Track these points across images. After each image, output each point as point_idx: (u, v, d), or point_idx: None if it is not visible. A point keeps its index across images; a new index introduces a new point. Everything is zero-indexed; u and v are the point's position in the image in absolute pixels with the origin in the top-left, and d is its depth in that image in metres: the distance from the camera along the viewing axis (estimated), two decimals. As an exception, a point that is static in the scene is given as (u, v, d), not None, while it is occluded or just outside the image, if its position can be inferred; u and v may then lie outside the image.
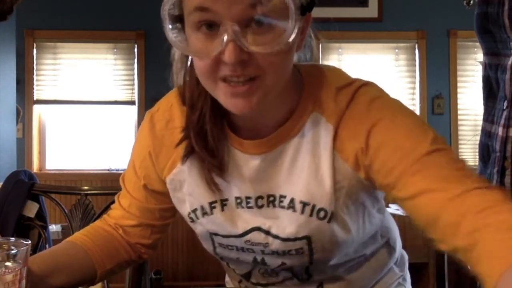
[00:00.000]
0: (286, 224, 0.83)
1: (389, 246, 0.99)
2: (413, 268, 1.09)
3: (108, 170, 3.94)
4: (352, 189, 0.82)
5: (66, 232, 2.80)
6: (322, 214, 0.82)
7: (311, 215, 0.82)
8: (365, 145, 0.79)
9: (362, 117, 0.80)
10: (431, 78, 3.98)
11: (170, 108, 0.91)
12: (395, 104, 0.82)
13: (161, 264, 3.71)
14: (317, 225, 0.82)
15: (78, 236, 0.96)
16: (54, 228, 3.08)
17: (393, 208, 2.52)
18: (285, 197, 0.83)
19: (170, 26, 0.74)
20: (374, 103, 0.81)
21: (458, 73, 3.99)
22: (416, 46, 4.01)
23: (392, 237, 1.00)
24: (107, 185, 3.71)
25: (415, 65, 4.03)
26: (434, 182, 0.72)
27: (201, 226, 0.90)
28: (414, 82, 4.02)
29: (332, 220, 0.82)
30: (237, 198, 0.86)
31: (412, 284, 1.06)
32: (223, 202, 0.87)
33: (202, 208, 0.88)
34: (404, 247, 1.06)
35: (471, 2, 1.01)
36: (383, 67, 4.00)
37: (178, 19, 0.76)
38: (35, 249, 1.65)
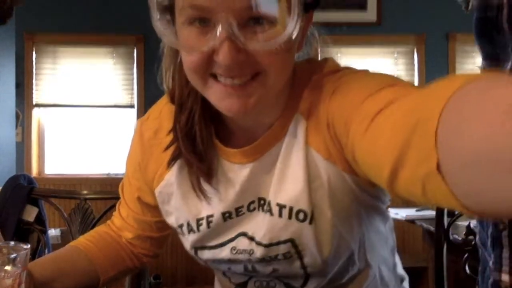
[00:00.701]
0: (266, 228, 0.80)
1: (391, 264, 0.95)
2: (412, 272, 1.08)
3: (108, 174, 3.94)
4: (334, 187, 0.76)
5: (66, 236, 2.80)
6: (301, 216, 0.77)
7: (290, 217, 0.78)
8: (326, 125, 0.73)
9: (322, 99, 0.74)
10: (430, 81, 3.97)
11: (160, 116, 0.88)
12: (355, 72, 0.76)
13: (161, 268, 3.70)
14: (298, 228, 0.78)
15: (83, 241, 0.95)
16: (53, 232, 3.08)
17: (392, 213, 2.51)
18: (266, 200, 0.80)
19: (158, 16, 0.68)
20: (333, 78, 0.75)
21: (457, 77, 3.99)
22: (415, 50, 4.01)
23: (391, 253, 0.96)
24: (107, 189, 3.71)
25: (413, 69, 4.03)
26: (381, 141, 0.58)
27: (187, 242, 0.87)
28: (414, 79, 4.02)
29: (314, 221, 0.77)
30: (224, 213, 0.82)
31: None
32: (209, 219, 0.83)
33: (189, 224, 0.85)
34: (403, 251, 1.05)
35: (469, 6, 1.01)
36: (382, 71, 3.99)
37: (168, 9, 0.70)
38: (34, 253, 1.64)
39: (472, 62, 4.02)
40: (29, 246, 0.65)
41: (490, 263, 0.81)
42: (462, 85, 0.44)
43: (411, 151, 0.51)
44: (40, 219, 1.70)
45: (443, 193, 0.46)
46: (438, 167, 0.45)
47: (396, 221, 1.20)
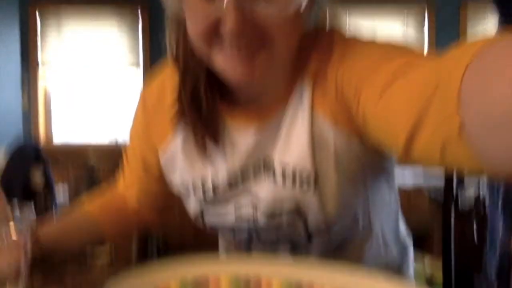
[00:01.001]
0: (270, 198, 0.79)
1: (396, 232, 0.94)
2: (417, 239, 1.07)
3: (115, 142, 3.94)
4: (341, 152, 0.75)
5: (72, 199, 2.82)
6: (305, 181, 0.76)
7: (293, 184, 0.77)
8: (335, 89, 0.72)
9: (331, 63, 0.73)
10: (440, 42, 3.89)
11: (163, 84, 0.87)
12: (366, 40, 0.74)
13: (168, 231, 3.73)
14: (302, 196, 0.77)
15: (89, 204, 0.95)
16: (61, 195, 3.09)
17: (399, 180, 2.50)
18: (271, 164, 0.79)
19: None
20: (342, 43, 0.74)
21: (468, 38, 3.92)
22: (426, 9, 3.92)
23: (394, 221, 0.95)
24: (114, 156, 3.72)
25: (423, 31, 3.95)
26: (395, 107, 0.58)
27: (192, 209, 0.87)
28: (423, 47, 3.96)
29: (318, 188, 0.76)
30: (230, 178, 0.81)
31: (417, 254, 1.03)
32: (215, 185, 0.82)
33: (194, 190, 0.84)
34: (408, 218, 1.02)
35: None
36: (392, 32, 3.92)
37: None
38: (41, 216, 1.66)
39: (484, 23, 3.92)
40: (32, 205, 0.65)
41: (500, 232, 0.80)
42: (483, 47, 0.43)
43: (430, 115, 0.50)
44: (47, 183, 1.71)
45: (465, 157, 0.46)
46: (461, 130, 0.44)
47: (403, 188, 1.17)
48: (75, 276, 0.84)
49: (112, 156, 3.76)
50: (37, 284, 0.75)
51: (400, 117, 0.55)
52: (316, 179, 0.76)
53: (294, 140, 0.76)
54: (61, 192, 3.08)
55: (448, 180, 1.26)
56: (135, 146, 0.94)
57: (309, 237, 0.83)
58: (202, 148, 0.81)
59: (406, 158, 0.57)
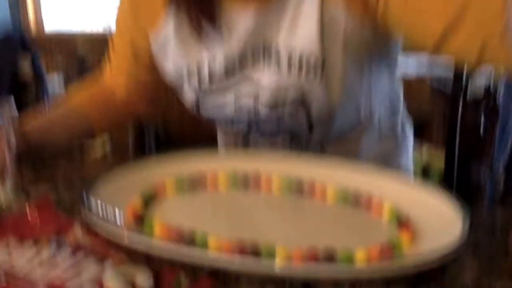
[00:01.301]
0: (273, 87, 0.75)
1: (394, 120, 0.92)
2: (416, 128, 1.04)
3: (108, 29, 3.81)
4: (350, 38, 0.71)
5: (67, 88, 2.78)
6: (312, 69, 0.72)
7: (300, 70, 0.73)
8: None
9: None
10: None
11: None
12: None
13: (167, 119, 3.74)
14: (307, 85, 0.74)
15: (77, 99, 0.92)
16: (55, 84, 3.05)
17: (401, 68, 2.45)
18: (272, 50, 0.74)
19: None
20: None
21: None
22: None
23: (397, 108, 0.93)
24: (106, 45, 3.61)
25: None
26: None
27: (188, 100, 0.83)
28: None
29: (325, 75, 0.73)
30: (227, 62, 0.76)
31: (415, 142, 1.00)
32: (211, 71, 0.78)
33: (189, 78, 0.80)
34: (409, 108, 0.99)
35: None
36: None
37: None
38: (30, 108, 1.62)
39: None
40: (12, 98, 0.60)
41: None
42: None
43: (471, 13, 0.52)
44: (37, 74, 1.66)
45: (503, 58, 0.49)
46: (504, 31, 0.47)
47: (405, 77, 1.11)
48: (67, 171, 0.81)
49: (104, 45, 3.65)
50: (27, 180, 0.73)
51: (437, 10, 0.57)
52: (323, 65, 0.72)
53: (302, 24, 0.71)
54: (55, 82, 3.02)
55: (458, 69, 1.21)
56: (122, 32, 0.89)
57: (311, 128, 0.81)
58: (197, 31, 0.76)
59: (437, 52, 0.59)
